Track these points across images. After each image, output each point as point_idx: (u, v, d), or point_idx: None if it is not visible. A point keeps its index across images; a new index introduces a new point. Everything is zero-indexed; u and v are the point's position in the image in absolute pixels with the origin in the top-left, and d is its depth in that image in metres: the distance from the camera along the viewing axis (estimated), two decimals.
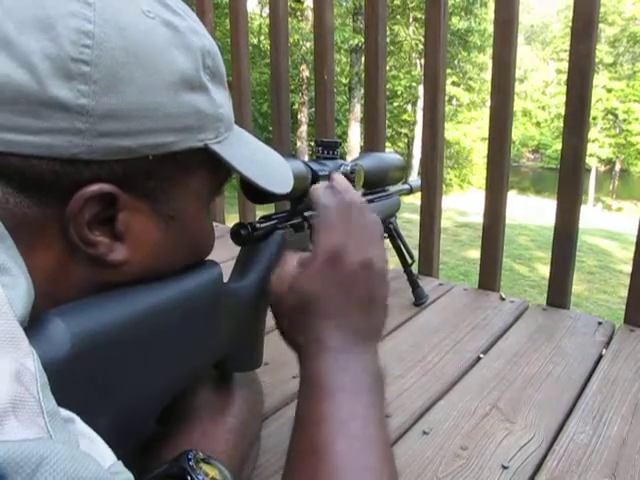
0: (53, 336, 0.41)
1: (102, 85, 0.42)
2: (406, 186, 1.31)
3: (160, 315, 0.51)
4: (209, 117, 0.50)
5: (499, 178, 1.46)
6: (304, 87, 13.06)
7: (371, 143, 1.67)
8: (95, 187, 0.43)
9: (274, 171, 0.62)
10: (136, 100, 0.43)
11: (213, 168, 0.53)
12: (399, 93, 15.16)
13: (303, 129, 13.20)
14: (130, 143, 0.44)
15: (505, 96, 1.42)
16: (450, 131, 16.22)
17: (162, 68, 0.45)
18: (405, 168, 1.24)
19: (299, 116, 13.26)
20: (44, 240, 0.44)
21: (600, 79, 19.05)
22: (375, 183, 1.13)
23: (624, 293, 1.33)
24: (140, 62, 0.44)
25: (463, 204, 10.77)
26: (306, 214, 0.82)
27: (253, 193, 0.71)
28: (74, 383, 0.41)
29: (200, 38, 0.49)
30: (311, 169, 0.82)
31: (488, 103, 1.48)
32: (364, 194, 1.14)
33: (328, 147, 0.93)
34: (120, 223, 0.46)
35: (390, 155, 1.18)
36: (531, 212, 10.03)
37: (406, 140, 17.19)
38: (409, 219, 5.57)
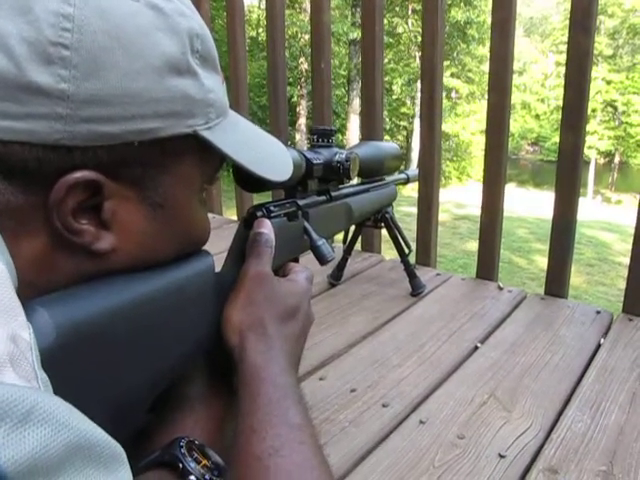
0: (36, 326, 0.40)
1: (83, 70, 0.41)
2: (403, 175, 1.30)
3: (149, 305, 0.50)
4: (198, 102, 0.48)
5: (497, 166, 1.45)
6: (302, 80, 13.02)
7: (368, 133, 1.66)
8: (78, 174, 0.42)
9: (272, 158, 0.60)
10: (119, 85, 0.42)
11: (204, 155, 0.52)
12: (397, 92, 15.05)
13: (302, 122, 13.17)
14: (114, 129, 0.43)
15: (502, 94, 1.41)
16: (449, 124, 16.17)
17: (146, 52, 0.44)
18: (402, 157, 1.23)
19: (298, 109, 13.23)
20: (29, 228, 0.43)
21: (599, 71, 18.99)
22: (371, 172, 1.12)
23: (623, 285, 1.33)
24: (123, 46, 0.42)
25: (462, 197, 10.75)
26: (300, 202, 0.81)
27: (247, 181, 0.70)
28: (60, 375, 0.40)
29: (188, 20, 0.48)
30: (305, 157, 0.81)
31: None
32: (360, 183, 1.14)
33: (323, 135, 0.92)
34: (106, 211, 0.45)
35: (387, 144, 1.18)
36: (530, 205, 10.01)
37: (405, 133, 17.14)
38: (408, 212, 5.56)
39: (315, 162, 0.83)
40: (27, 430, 0.27)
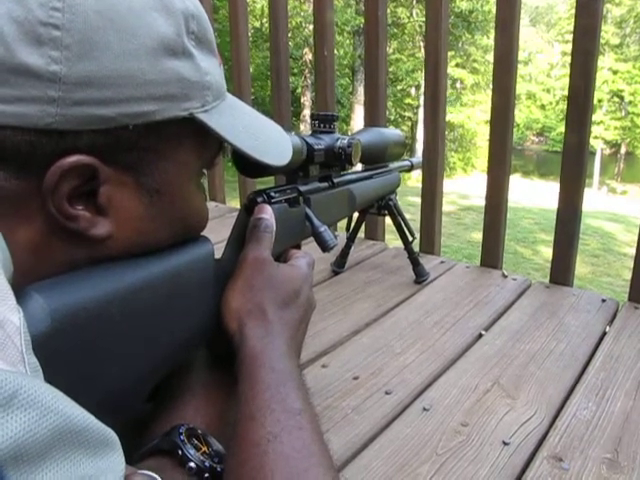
0: (31, 312, 0.39)
1: (75, 51, 0.40)
2: (406, 162, 1.29)
3: (146, 291, 0.49)
4: (194, 85, 0.47)
5: (501, 159, 1.44)
6: (307, 71, 12.97)
7: (371, 120, 1.65)
8: (72, 159, 0.41)
9: (271, 142, 0.59)
10: (112, 66, 0.41)
11: (201, 139, 0.51)
12: (401, 79, 14.96)
13: (306, 113, 13.13)
14: (107, 112, 0.42)
15: (506, 93, 1.39)
16: (454, 114, 16.10)
17: (140, 32, 0.43)
18: (405, 144, 1.22)
19: (302, 100, 13.19)
20: (24, 214, 0.42)
21: (606, 61, 18.82)
22: (374, 158, 1.11)
23: (628, 276, 1.31)
24: (116, 26, 0.41)
25: (467, 187, 10.72)
26: (302, 188, 0.80)
27: (247, 166, 0.69)
28: (55, 361, 0.40)
29: (183, 1, 0.47)
30: (306, 143, 0.80)
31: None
32: (363, 170, 1.13)
33: (325, 120, 0.91)
34: (102, 197, 0.44)
35: (390, 130, 1.16)
36: (535, 195, 9.98)
37: (410, 124, 17.07)
38: (413, 202, 5.54)
39: (316, 147, 0.82)
40: (10, 415, 0.26)
